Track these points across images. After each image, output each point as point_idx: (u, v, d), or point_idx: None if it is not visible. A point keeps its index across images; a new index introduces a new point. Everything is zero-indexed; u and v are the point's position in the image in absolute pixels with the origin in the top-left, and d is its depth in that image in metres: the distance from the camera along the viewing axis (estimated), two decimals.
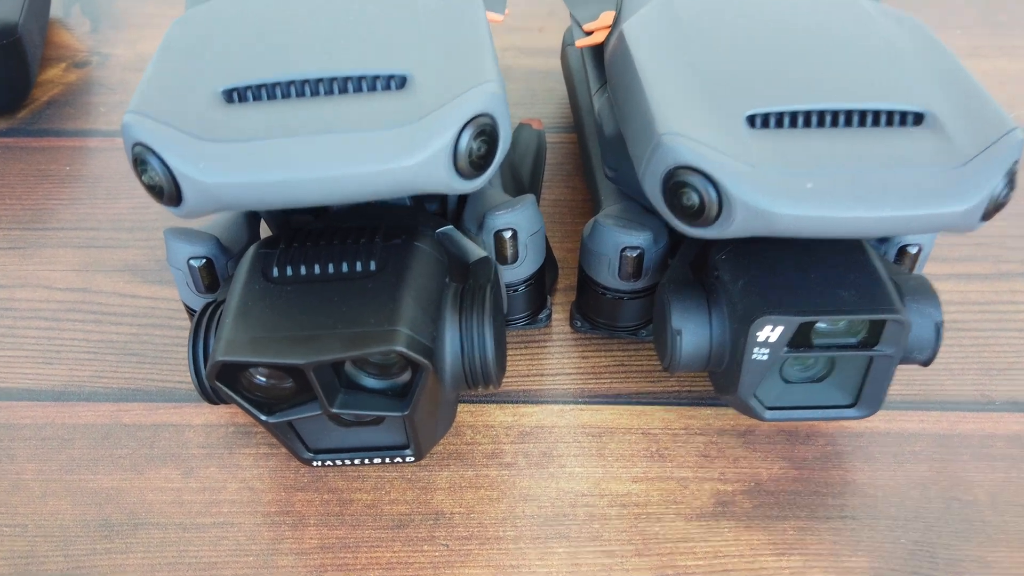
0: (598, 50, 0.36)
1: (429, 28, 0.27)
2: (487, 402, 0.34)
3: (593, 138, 0.38)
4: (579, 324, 0.36)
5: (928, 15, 0.57)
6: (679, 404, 0.34)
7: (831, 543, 0.30)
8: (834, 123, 0.26)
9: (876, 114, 0.26)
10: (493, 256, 0.31)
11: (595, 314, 0.35)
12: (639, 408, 0.34)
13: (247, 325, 0.25)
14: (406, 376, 0.27)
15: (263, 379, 0.27)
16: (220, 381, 0.25)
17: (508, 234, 0.31)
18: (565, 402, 0.34)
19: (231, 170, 0.23)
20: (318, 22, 0.27)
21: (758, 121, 0.26)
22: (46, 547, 0.30)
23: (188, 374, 0.35)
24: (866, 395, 0.29)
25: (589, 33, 0.34)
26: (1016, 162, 0.25)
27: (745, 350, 0.27)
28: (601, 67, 0.36)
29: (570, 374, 0.35)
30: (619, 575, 0.29)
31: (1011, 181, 0.25)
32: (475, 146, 0.25)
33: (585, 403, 0.34)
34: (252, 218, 0.33)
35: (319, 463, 0.29)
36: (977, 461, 0.32)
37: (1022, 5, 0.58)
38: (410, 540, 0.30)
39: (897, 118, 0.26)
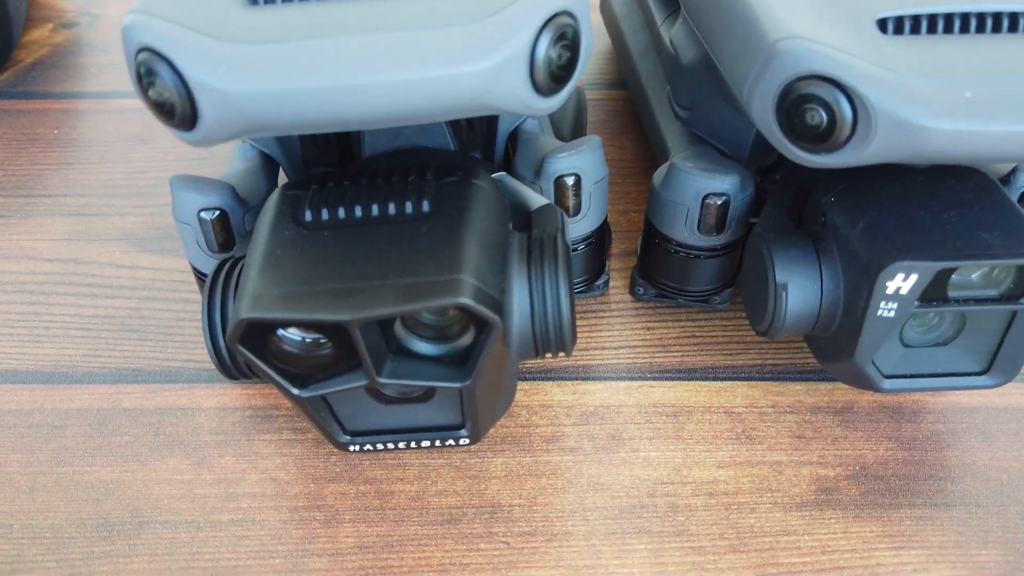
0: None
1: None
2: (542, 379, 0.30)
3: (654, 82, 0.34)
4: (642, 291, 0.32)
5: None
6: (763, 379, 0.30)
7: (955, 534, 0.26)
8: (980, 28, 0.22)
9: None
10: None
11: (663, 277, 0.31)
12: (718, 384, 0.30)
13: (277, 277, 0.21)
14: (466, 339, 0.22)
15: (294, 345, 0.22)
16: (244, 346, 0.21)
17: (571, 180, 0.27)
18: (631, 378, 0.30)
19: (262, 75, 0.18)
20: None
21: (891, 25, 0.21)
22: (35, 550, 0.25)
23: (196, 351, 0.31)
24: (1002, 360, 0.24)
25: None
26: None
27: (869, 305, 0.23)
28: None
29: (635, 347, 0.31)
30: (712, 574, 0.25)
31: None
32: (554, 53, 0.20)
33: (655, 379, 0.30)
34: (270, 167, 0.29)
35: (357, 447, 0.25)
36: None
37: None
38: (463, 537, 0.26)
39: None
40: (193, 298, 0.33)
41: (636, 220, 0.36)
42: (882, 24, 0.21)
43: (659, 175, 0.29)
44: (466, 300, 0.20)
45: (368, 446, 0.25)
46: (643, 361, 0.30)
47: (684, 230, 0.28)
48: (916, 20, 0.21)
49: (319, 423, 0.24)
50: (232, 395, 0.29)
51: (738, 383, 0.30)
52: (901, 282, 0.22)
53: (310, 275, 0.21)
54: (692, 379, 0.30)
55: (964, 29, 0.22)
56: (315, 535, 0.26)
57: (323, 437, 0.28)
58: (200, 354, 0.31)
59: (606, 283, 0.32)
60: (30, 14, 0.49)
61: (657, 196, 0.29)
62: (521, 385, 0.30)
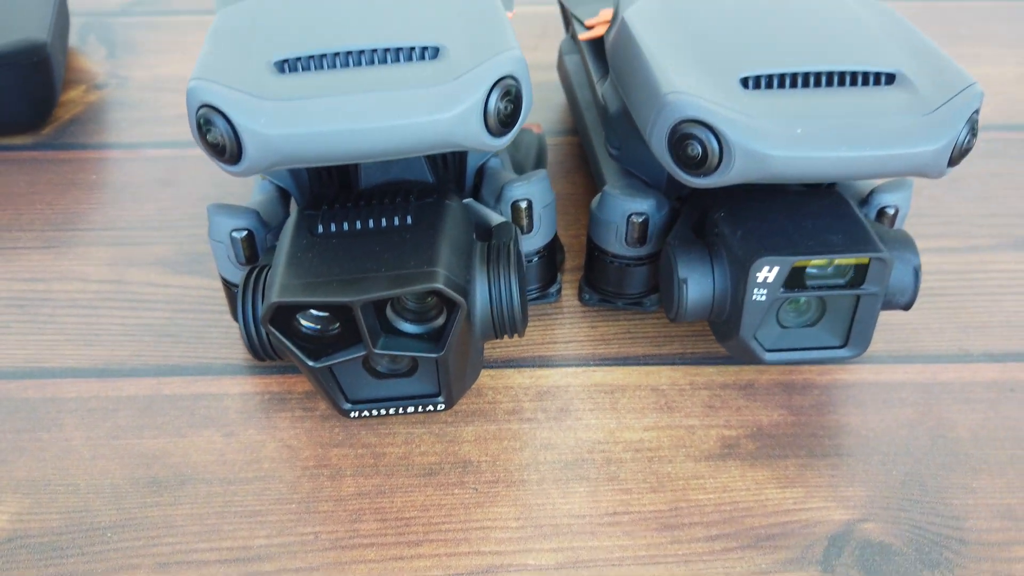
0: (598, 45, 0.40)
1: (456, 7, 0.31)
2: (506, 367, 0.37)
3: (596, 128, 0.42)
4: (588, 297, 0.39)
5: None
6: (684, 364, 0.37)
7: (829, 476, 0.32)
8: (818, 84, 0.29)
9: (854, 75, 0.29)
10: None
11: (603, 284, 0.38)
12: (647, 368, 0.37)
13: (298, 272, 0.28)
14: (440, 321, 0.29)
15: (310, 326, 0.29)
16: (273, 325, 0.28)
17: (524, 204, 0.34)
18: (578, 365, 0.37)
19: (292, 122, 0.26)
20: (358, 3, 0.31)
21: (751, 83, 0.29)
22: (99, 502, 0.32)
23: (223, 351, 0.38)
24: (855, 335, 0.32)
25: (591, 28, 0.38)
26: (976, 111, 0.28)
27: (746, 292, 0.30)
28: (602, 58, 0.39)
29: (581, 341, 0.38)
30: (636, 508, 0.31)
31: (973, 128, 0.28)
32: (502, 105, 0.28)
33: (597, 365, 0.37)
34: (284, 198, 0.36)
35: (357, 413, 0.32)
36: (958, 404, 0.35)
37: (982, 20, 0.63)
38: (441, 485, 0.32)
39: (872, 78, 0.29)
40: (219, 309, 0.39)
41: (585, 242, 0.43)
42: (744, 81, 0.29)
43: (595, 201, 0.36)
44: (439, 285, 0.27)
45: (365, 412, 0.32)
46: (588, 352, 0.37)
47: (616, 244, 0.36)
48: (770, 78, 0.29)
49: (327, 392, 0.31)
50: (253, 384, 0.36)
51: (663, 367, 0.37)
52: (768, 273, 0.29)
53: (323, 270, 0.28)
54: (627, 365, 0.37)
55: (806, 84, 0.29)
56: (323, 486, 0.32)
57: (329, 411, 0.35)
58: (226, 352, 0.37)
59: (558, 291, 0.39)
60: (66, 77, 0.57)
61: (594, 217, 0.36)
62: (489, 372, 0.37)
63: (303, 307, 0.28)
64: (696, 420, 0.34)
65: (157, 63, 0.59)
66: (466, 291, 0.28)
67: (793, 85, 0.29)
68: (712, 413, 0.35)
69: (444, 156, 0.36)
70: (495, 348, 0.38)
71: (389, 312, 0.29)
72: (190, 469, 0.33)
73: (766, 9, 0.32)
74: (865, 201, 0.35)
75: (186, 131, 0.52)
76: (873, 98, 0.29)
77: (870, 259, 0.29)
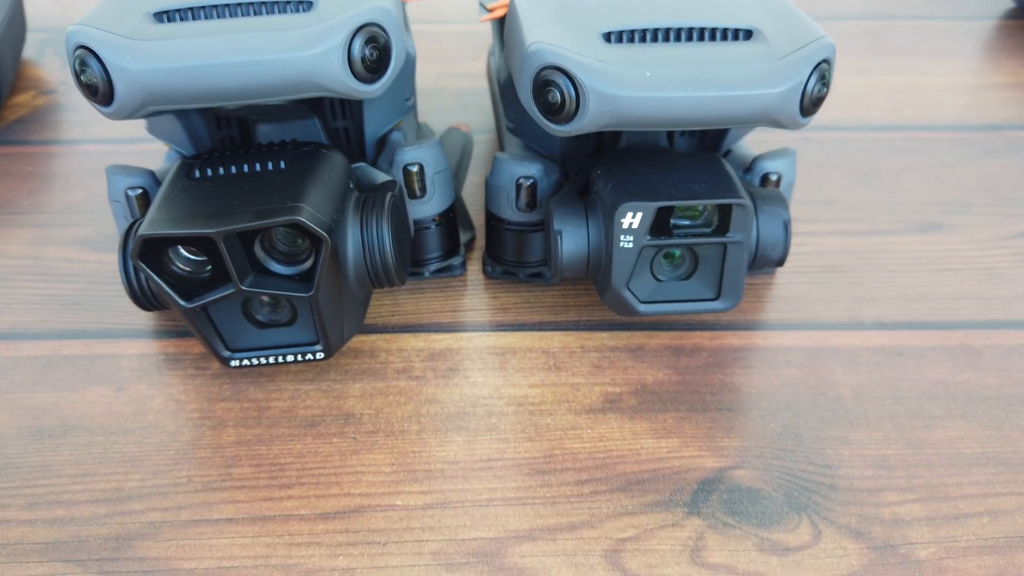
0: (501, 26, 0.41)
1: None
2: (402, 332, 0.37)
3: (500, 105, 0.43)
4: (490, 269, 0.40)
5: None
6: (578, 330, 0.37)
7: (707, 428, 0.33)
8: (678, 38, 0.31)
9: (713, 31, 0.31)
10: (403, 187, 0.35)
11: (502, 253, 0.39)
12: (541, 333, 0.37)
13: (169, 210, 0.29)
14: (310, 263, 0.30)
15: (183, 268, 0.30)
16: (144, 262, 0.29)
17: (415, 168, 0.35)
18: (473, 330, 0.37)
19: (157, 59, 0.27)
20: None
21: (613, 37, 0.30)
22: None
23: (127, 317, 0.38)
24: (726, 286, 0.32)
25: (492, 10, 0.40)
26: (825, 60, 0.29)
27: (612, 238, 0.31)
28: (502, 39, 0.41)
29: (480, 310, 0.38)
30: (511, 455, 0.32)
31: (823, 77, 0.29)
32: (367, 52, 0.29)
33: (492, 331, 0.37)
34: None
35: (238, 362, 0.32)
36: (844, 366, 0.35)
37: (908, 35, 0.65)
38: (321, 435, 0.32)
39: (730, 34, 0.31)
40: None
41: None
42: (607, 36, 0.30)
43: (490, 170, 0.37)
44: (301, 218, 0.28)
45: (246, 361, 0.32)
46: (485, 319, 0.38)
47: (508, 209, 0.37)
48: (631, 33, 0.30)
49: (206, 339, 0.31)
50: (151, 346, 0.37)
51: (557, 333, 0.37)
52: (632, 219, 0.30)
53: (192, 208, 0.29)
54: (521, 330, 0.37)
55: (666, 39, 0.31)
56: (203, 435, 0.33)
57: (220, 370, 0.35)
58: (129, 319, 0.38)
59: (462, 264, 0.40)
60: (17, 84, 0.59)
61: (488, 184, 0.37)
62: (384, 337, 0.37)
63: (169, 240, 0.29)
64: (582, 379, 0.35)
65: None
66: (332, 229, 0.29)
67: (654, 39, 0.30)
68: (599, 372, 0.35)
69: (344, 127, 0.37)
70: (394, 314, 0.38)
71: (260, 253, 0.30)
72: (76, 420, 0.33)
73: None
74: (749, 168, 0.36)
75: (122, 129, 0.53)
76: (726, 49, 0.30)
77: (732, 205, 0.30)
